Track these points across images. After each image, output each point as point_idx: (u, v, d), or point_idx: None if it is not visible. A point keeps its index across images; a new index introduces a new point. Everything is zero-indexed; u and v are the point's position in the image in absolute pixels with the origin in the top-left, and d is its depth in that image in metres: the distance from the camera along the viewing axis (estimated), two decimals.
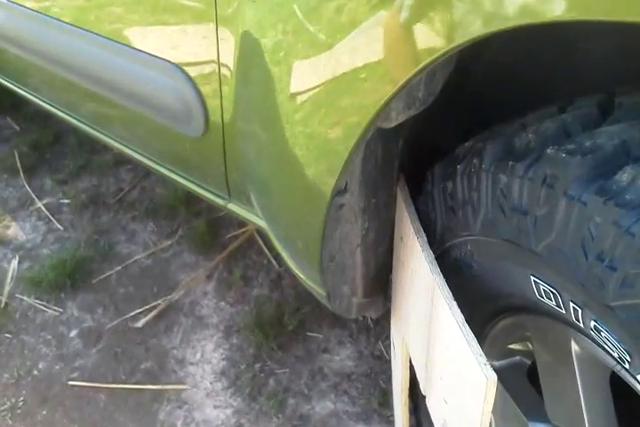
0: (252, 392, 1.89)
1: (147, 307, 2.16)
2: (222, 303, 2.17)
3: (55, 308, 2.18)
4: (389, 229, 1.25)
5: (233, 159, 1.37)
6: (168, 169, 1.67)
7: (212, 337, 2.06)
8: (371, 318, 2.07)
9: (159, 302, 2.17)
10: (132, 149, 1.76)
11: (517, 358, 1.27)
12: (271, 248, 2.32)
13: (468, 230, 1.04)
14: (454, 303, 0.98)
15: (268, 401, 1.86)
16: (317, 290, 1.31)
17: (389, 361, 1.87)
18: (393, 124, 0.97)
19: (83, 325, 2.12)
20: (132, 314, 2.14)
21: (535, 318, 1.05)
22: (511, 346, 1.27)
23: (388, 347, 1.97)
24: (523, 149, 0.90)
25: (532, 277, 0.93)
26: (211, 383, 1.92)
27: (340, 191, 1.05)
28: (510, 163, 0.90)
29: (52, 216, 2.55)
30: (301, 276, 1.36)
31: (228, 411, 1.85)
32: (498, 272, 1.03)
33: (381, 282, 1.36)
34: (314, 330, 2.06)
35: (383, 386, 1.88)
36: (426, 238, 1.10)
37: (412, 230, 1.13)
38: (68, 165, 2.80)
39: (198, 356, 2.00)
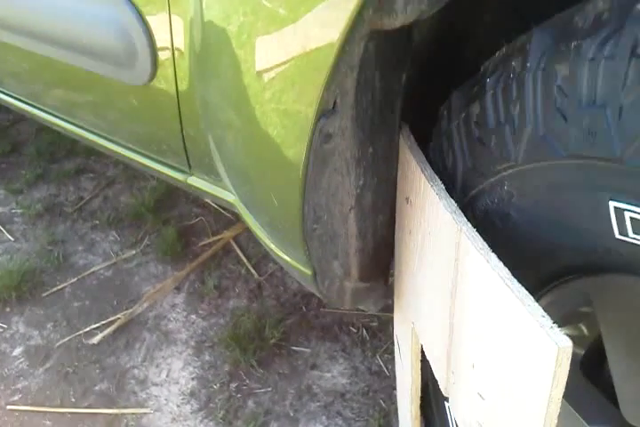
0: (227, 416, 1.60)
1: (104, 322, 1.89)
2: (193, 316, 1.89)
3: None
4: (391, 193, 1.00)
5: (189, 113, 1.12)
6: (121, 145, 1.42)
7: (181, 354, 1.77)
8: (366, 329, 1.79)
9: (119, 316, 1.90)
10: (78, 126, 1.51)
11: None
12: (250, 256, 2.10)
13: (506, 162, 0.77)
14: (493, 255, 0.70)
15: (247, 425, 1.58)
16: (301, 269, 1.05)
17: (390, 377, 1.67)
18: (399, 21, 0.73)
19: (29, 342, 1.84)
20: (87, 330, 1.87)
21: (605, 279, 0.76)
22: None
23: (387, 361, 1.71)
24: (591, 25, 0.65)
25: (613, 204, 0.64)
26: (178, 406, 1.63)
27: (326, 112, 0.78)
28: (574, 44, 0.64)
29: (3, 226, 2.30)
30: (280, 254, 1.10)
31: None
32: (551, 214, 0.74)
33: (381, 263, 1.10)
34: (300, 344, 1.79)
35: (384, 405, 1.60)
36: (443, 186, 0.84)
37: (424, 179, 0.87)
38: (25, 175, 2.58)
39: (163, 375, 1.71)
